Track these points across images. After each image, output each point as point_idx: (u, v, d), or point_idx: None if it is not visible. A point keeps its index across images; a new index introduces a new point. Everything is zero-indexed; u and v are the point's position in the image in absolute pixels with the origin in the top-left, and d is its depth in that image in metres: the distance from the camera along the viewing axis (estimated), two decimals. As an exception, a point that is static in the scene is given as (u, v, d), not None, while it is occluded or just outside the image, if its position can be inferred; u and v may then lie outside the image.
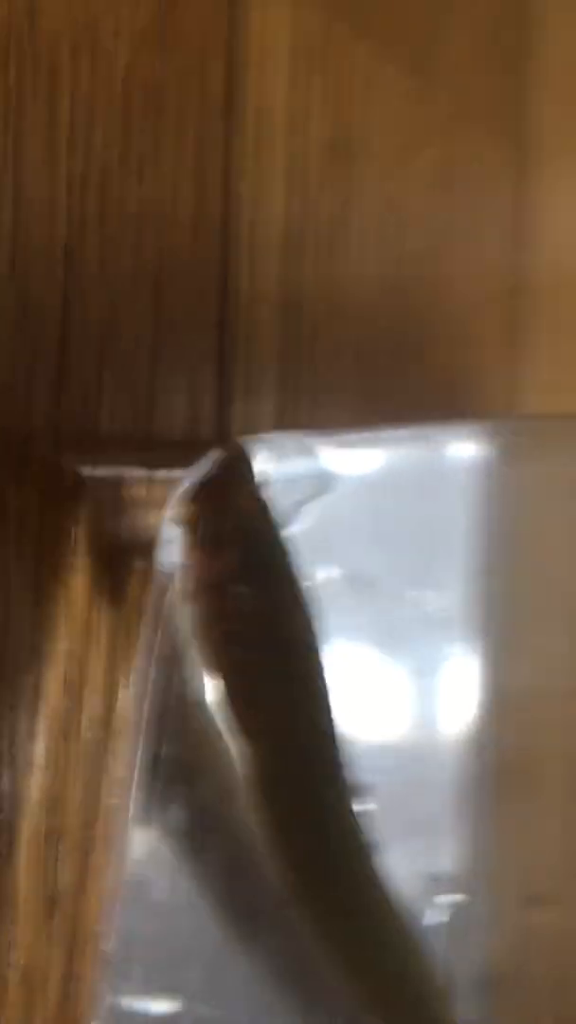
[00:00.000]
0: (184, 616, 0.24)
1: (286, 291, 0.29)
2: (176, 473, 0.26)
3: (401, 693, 0.29)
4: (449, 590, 0.30)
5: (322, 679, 0.24)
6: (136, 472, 0.25)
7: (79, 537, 0.24)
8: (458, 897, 0.32)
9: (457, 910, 0.33)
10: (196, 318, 0.27)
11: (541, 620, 0.31)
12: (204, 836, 0.25)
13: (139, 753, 0.25)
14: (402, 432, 0.26)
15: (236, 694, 0.23)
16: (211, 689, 0.24)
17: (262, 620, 0.23)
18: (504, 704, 0.32)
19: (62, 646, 0.23)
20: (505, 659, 0.31)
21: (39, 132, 0.23)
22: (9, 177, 0.22)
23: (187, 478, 0.23)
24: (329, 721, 0.24)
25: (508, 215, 0.40)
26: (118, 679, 0.24)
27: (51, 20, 0.22)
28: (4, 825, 0.22)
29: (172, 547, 0.24)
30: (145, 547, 0.25)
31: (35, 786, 0.22)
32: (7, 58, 0.21)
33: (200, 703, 0.24)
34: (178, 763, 0.24)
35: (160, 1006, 0.24)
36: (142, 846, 0.24)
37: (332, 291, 0.31)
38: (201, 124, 0.27)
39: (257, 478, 0.23)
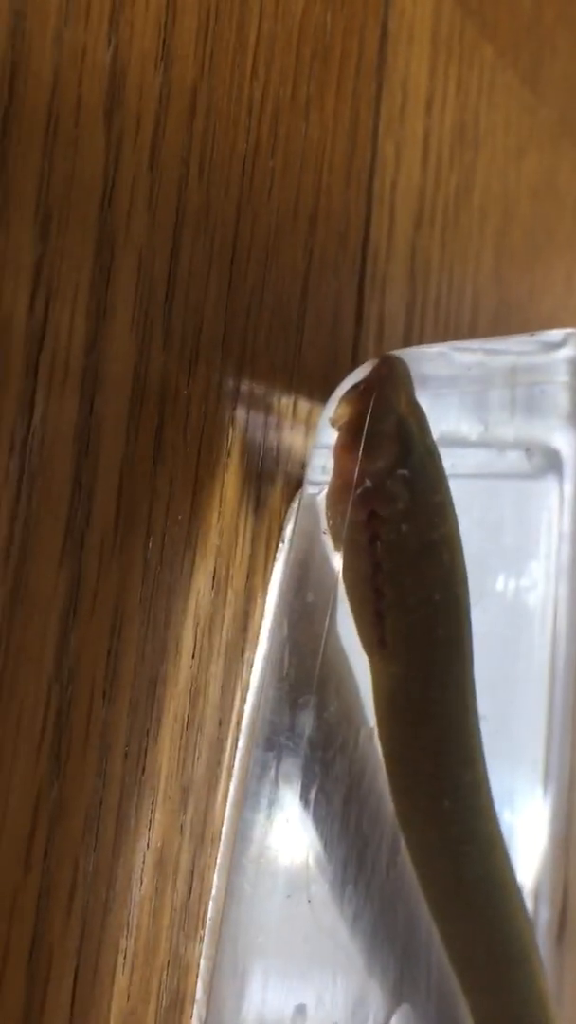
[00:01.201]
0: (327, 525, 0.24)
1: (415, 252, 0.31)
2: (315, 398, 0.27)
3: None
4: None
5: (465, 588, 0.24)
6: (283, 392, 0.26)
7: (234, 440, 0.24)
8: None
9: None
10: (341, 260, 0.28)
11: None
12: (330, 754, 0.25)
13: (272, 661, 0.25)
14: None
15: (377, 602, 0.24)
16: (347, 600, 0.24)
17: (413, 521, 0.23)
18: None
19: (213, 541, 0.23)
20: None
21: (229, 53, 0.24)
22: (204, 88, 0.23)
23: (347, 382, 0.24)
24: (468, 638, 0.24)
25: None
26: (256, 586, 0.25)
27: (249, -47, 0.24)
28: (154, 703, 0.22)
29: (323, 453, 0.25)
30: (287, 464, 0.26)
31: (181, 672, 0.22)
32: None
33: (334, 616, 0.25)
34: (309, 674, 0.25)
35: (284, 913, 0.23)
36: (270, 757, 0.24)
37: (453, 262, 0.32)
38: (358, 81, 0.28)
39: (412, 384, 0.24)
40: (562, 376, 0.29)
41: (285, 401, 0.26)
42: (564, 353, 0.26)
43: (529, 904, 0.33)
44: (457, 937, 0.26)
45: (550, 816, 0.34)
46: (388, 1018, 0.26)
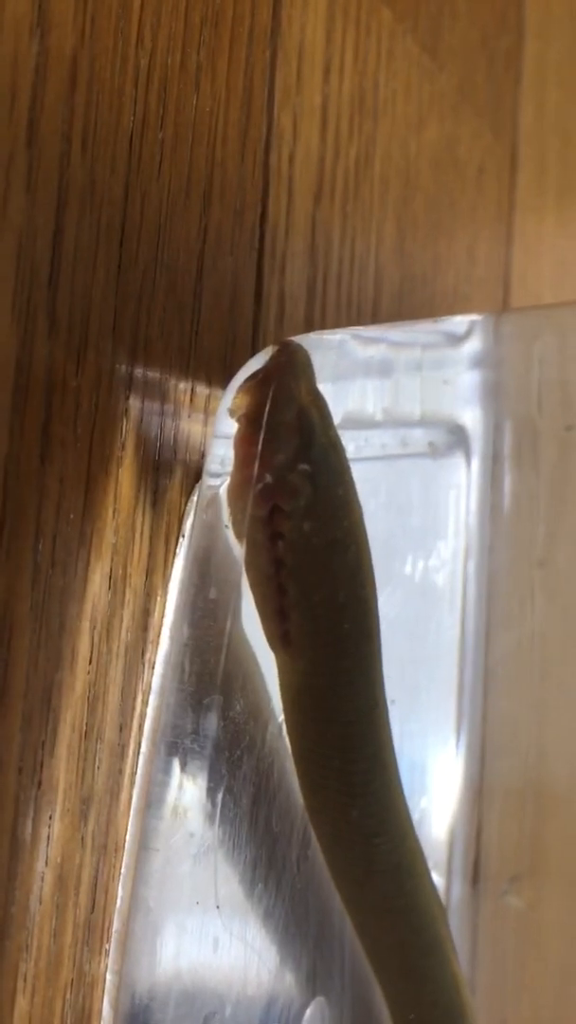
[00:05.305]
0: (228, 519, 0.24)
1: (315, 227, 0.30)
2: (215, 385, 0.26)
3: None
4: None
5: (371, 583, 0.23)
6: (180, 379, 0.25)
7: (128, 431, 0.23)
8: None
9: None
10: (238, 238, 0.27)
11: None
12: (237, 753, 0.24)
13: (173, 663, 0.24)
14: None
15: (281, 599, 0.23)
16: (251, 596, 0.23)
17: (316, 516, 0.22)
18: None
19: (108, 539, 0.22)
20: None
21: (111, 19, 0.22)
22: (85, 57, 0.22)
23: (245, 370, 0.23)
24: (375, 632, 0.24)
25: (499, 208, 0.41)
26: (156, 584, 0.24)
27: None
28: (49, 713, 0.21)
29: (223, 443, 0.24)
30: (186, 455, 0.25)
31: (77, 679, 0.21)
32: None
33: (237, 613, 0.24)
34: (212, 674, 0.24)
35: (193, 921, 0.23)
36: (174, 761, 0.23)
37: (355, 235, 0.31)
38: (251, 48, 0.27)
39: (313, 372, 0.23)
40: (467, 365, 0.29)
41: (182, 388, 0.25)
42: (470, 347, 0.26)
43: (443, 871, 0.33)
44: (370, 927, 0.26)
45: (461, 792, 0.34)
46: (302, 1012, 0.26)
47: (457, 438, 0.33)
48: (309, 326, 0.29)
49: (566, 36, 0.48)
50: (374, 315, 0.32)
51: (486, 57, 0.41)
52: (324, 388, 0.24)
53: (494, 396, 0.31)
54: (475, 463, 0.34)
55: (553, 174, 0.47)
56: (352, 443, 0.26)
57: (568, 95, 0.49)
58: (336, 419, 0.24)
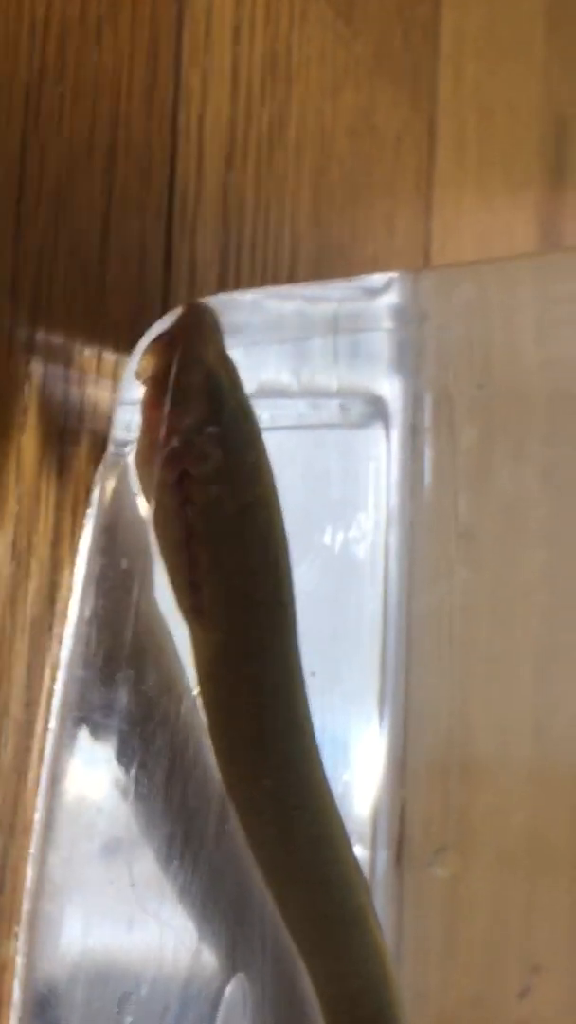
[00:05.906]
0: (138, 486, 0.23)
1: (227, 192, 0.29)
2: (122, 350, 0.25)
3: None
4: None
5: (284, 550, 0.23)
6: (86, 343, 0.24)
7: (31, 396, 0.22)
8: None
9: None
10: (146, 198, 0.26)
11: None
12: (150, 727, 0.23)
13: (80, 636, 0.23)
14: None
15: (192, 568, 0.22)
16: (162, 566, 0.23)
17: (226, 481, 0.22)
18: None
19: (11, 508, 0.21)
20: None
21: (6, -35, 0.22)
22: (-24, 2, 0.21)
23: (151, 333, 0.22)
24: (289, 601, 0.23)
25: (418, 180, 0.41)
26: (63, 555, 0.23)
27: None
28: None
29: (130, 409, 0.23)
30: (93, 421, 0.24)
31: (-21, 654, 0.21)
32: None
33: (147, 583, 0.23)
34: (122, 647, 0.23)
35: (106, 901, 0.22)
36: (84, 737, 0.23)
37: (269, 202, 0.31)
38: (155, 3, 0.26)
39: (221, 334, 0.22)
40: (385, 323, 0.28)
41: (88, 353, 0.24)
42: (387, 300, 0.25)
43: (367, 844, 0.33)
44: (291, 901, 0.26)
45: (385, 765, 0.34)
46: (222, 989, 0.26)
47: (375, 409, 0.33)
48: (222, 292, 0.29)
49: (483, 7, 0.48)
50: (291, 283, 0.32)
51: (402, 26, 0.41)
52: (236, 353, 0.23)
53: (413, 362, 0.31)
54: (395, 434, 0.34)
55: (472, 147, 0.47)
56: (267, 412, 0.25)
57: (486, 67, 0.49)
58: (250, 387, 0.24)
